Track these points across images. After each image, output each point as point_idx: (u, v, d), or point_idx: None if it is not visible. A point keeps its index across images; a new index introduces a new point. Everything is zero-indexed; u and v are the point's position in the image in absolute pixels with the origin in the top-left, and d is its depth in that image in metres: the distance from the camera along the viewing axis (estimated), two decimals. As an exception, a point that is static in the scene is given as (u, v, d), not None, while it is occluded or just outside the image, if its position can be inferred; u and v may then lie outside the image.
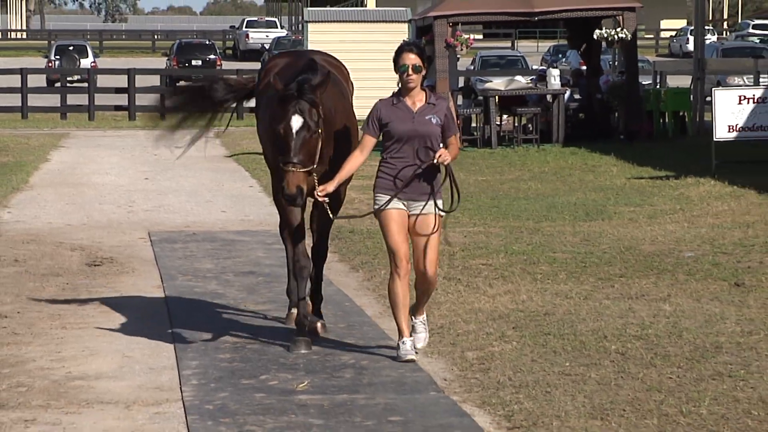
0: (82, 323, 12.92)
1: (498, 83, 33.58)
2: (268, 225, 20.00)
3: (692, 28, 44.07)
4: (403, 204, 10.81)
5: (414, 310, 11.16)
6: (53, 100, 46.55)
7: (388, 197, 10.75)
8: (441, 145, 10.87)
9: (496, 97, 31.99)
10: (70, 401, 10.04)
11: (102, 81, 47.28)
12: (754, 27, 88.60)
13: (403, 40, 11.39)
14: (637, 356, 10.90)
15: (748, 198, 20.90)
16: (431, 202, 10.82)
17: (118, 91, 45.66)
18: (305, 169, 10.76)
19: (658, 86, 37.69)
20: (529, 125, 31.88)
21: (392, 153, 10.84)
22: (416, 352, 11.00)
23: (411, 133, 10.76)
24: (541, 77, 34.65)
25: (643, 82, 36.00)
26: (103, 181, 26.58)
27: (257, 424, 9.36)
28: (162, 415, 9.69)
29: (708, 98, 28.57)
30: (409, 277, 10.90)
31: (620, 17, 32.76)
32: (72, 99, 46.11)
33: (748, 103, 25.11)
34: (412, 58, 10.74)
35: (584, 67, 35.32)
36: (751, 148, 25.61)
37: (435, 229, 10.83)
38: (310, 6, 65.52)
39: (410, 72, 10.73)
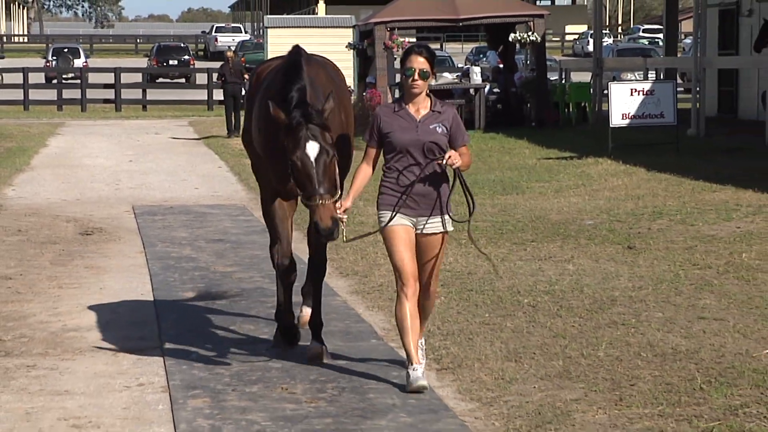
0: (75, 283, 12.89)
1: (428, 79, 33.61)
2: (235, 200, 20.08)
3: (592, 32, 44.14)
4: (410, 221, 8.55)
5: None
6: (51, 94, 46.35)
7: (392, 213, 8.52)
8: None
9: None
10: (66, 349, 10.02)
11: (92, 78, 47.00)
12: (644, 31, 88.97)
13: (414, 42, 9.58)
14: (546, 308, 10.94)
15: (638, 175, 21.01)
16: (439, 220, 8.59)
17: (107, 86, 45.71)
18: (334, 199, 8.39)
19: (563, 81, 37.78)
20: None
21: (395, 165, 8.56)
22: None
23: (414, 143, 8.47)
24: (465, 74, 34.86)
25: (551, 78, 36.09)
26: (93, 163, 26.49)
27: (225, 367, 9.35)
28: (144, 360, 9.67)
29: (605, 91, 28.66)
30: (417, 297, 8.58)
31: (531, 23, 32.87)
32: (67, 93, 45.99)
33: (638, 95, 25.27)
34: (420, 62, 8.46)
35: (501, 65, 35.35)
36: (641, 132, 25.73)
37: (440, 250, 8.69)
38: (270, 14, 65.29)
39: (416, 77, 8.45)
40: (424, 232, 8.58)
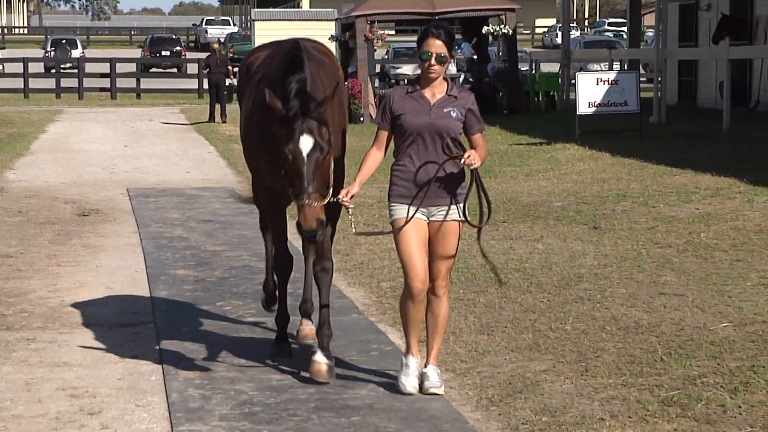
0: (73, 261, 12.86)
1: (407, 69, 33.82)
2: (224, 183, 20.05)
3: (560, 25, 44.15)
4: (422, 212, 7.63)
5: (427, 354, 7.89)
6: (49, 83, 46.20)
7: (404, 207, 7.62)
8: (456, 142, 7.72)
9: (405, 79, 32.12)
10: (64, 324, 10.00)
11: (89, 68, 46.90)
12: (609, 24, 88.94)
13: (432, 23, 7.97)
14: (516, 285, 10.95)
15: (603, 159, 21.04)
16: (454, 208, 7.70)
17: (102, 76, 45.67)
18: (324, 200, 7.44)
19: (533, 71, 37.79)
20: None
21: (406, 152, 7.67)
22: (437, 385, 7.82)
23: (426, 127, 7.57)
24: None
25: (522, 68, 36.12)
26: (90, 148, 26.42)
27: (214, 340, 9.35)
28: (138, 334, 9.66)
29: (573, 81, 28.68)
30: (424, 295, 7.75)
31: (503, 16, 32.97)
32: (65, 82, 45.86)
33: (603, 84, 25.31)
34: (437, 45, 7.54)
35: (475, 57, 35.38)
36: (606, 120, 25.77)
37: (456, 244, 7.81)
38: (257, 8, 65.13)
39: (433, 62, 7.55)
40: (437, 218, 7.67)
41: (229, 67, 34.49)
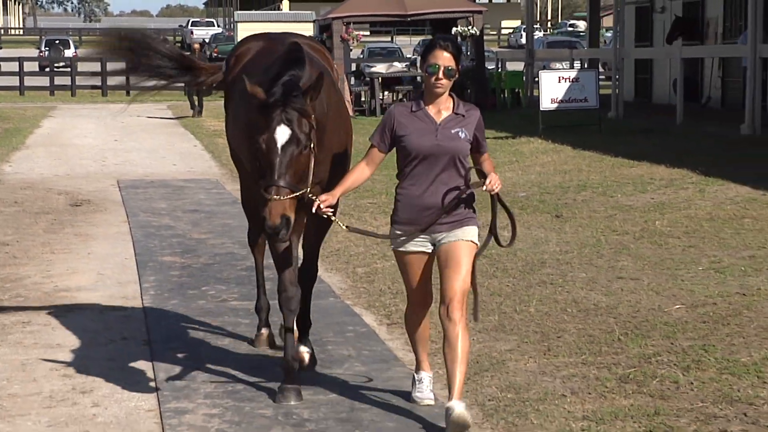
0: (66, 249, 12.82)
1: (381, 68, 33.71)
2: (209, 175, 20.03)
3: (525, 26, 44.17)
4: (428, 239, 6.69)
5: (449, 390, 6.53)
6: (44, 81, 45.95)
7: (406, 236, 6.70)
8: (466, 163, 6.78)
9: (379, 78, 32.11)
10: (57, 308, 9.97)
11: (81, 66, 46.70)
12: (570, 26, 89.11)
13: (438, 34, 7.14)
14: (483, 269, 10.93)
15: (565, 152, 21.08)
16: (461, 230, 6.70)
17: (94, 74, 45.32)
18: (293, 195, 6.46)
19: (499, 70, 37.82)
20: (404, 99, 31.86)
21: (411, 175, 6.65)
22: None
23: (433, 149, 6.56)
24: (413, 63, 34.86)
25: (488, 67, 36.14)
26: (82, 143, 26.32)
27: (199, 323, 9.34)
28: (128, 317, 9.64)
29: (536, 78, 28.70)
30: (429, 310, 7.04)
31: (471, 18, 32.95)
32: (58, 80, 45.71)
33: (565, 82, 25.32)
34: (445, 58, 6.55)
35: (422, 55, 35.38)
36: (567, 115, 25.79)
37: (469, 265, 6.71)
38: (240, 10, 64.95)
39: (441, 76, 6.55)
40: (446, 240, 6.67)
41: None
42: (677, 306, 9.45)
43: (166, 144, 26.11)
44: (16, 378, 7.87)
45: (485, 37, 35.90)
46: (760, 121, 23.04)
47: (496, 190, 6.67)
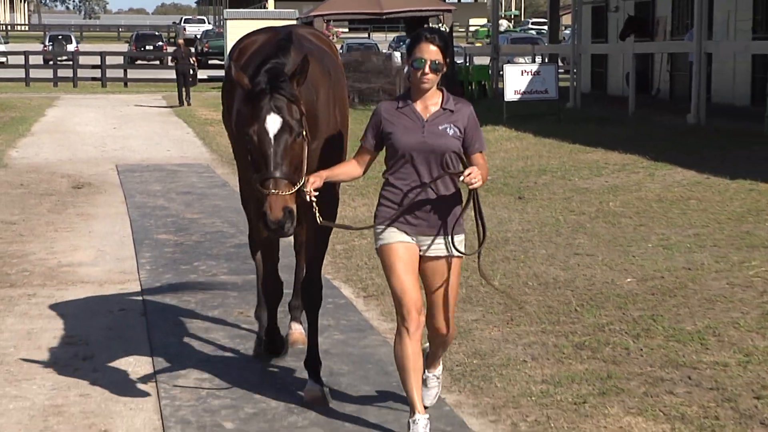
0: (68, 227, 12.77)
1: (358, 62, 33.61)
2: (200, 160, 19.97)
3: (491, 24, 44.12)
4: (412, 239, 5.75)
5: (428, 362, 6.22)
6: (48, 73, 45.72)
7: (392, 234, 5.73)
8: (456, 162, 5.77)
9: (357, 71, 32.07)
10: (60, 281, 9.93)
11: (82, 60, 46.49)
12: (533, 23, 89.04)
13: (424, 27, 6.05)
14: (452, 247, 10.95)
15: (527, 140, 21.10)
16: (442, 241, 5.82)
17: (94, 67, 45.36)
18: (293, 186, 5.58)
19: (467, 64, 37.76)
20: (381, 90, 31.85)
21: (396, 173, 5.74)
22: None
23: (419, 146, 5.66)
24: (389, 58, 34.71)
25: (457, 61, 36.10)
26: (83, 130, 26.20)
27: (191, 295, 9.32)
28: (125, 290, 9.61)
29: (501, 72, 28.69)
30: (422, 331, 5.75)
31: (441, 16, 32.93)
32: (61, 72, 45.42)
33: (527, 75, 25.34)
34: (432, 51, 5.66)
35: (408, 48, 35.33)
36: (529, 105, 25.80)
37: (450, 279, 5.91)
38: (229, 8, 64.72)
39: (427, 70, 5.66)
40: (428, 254, 5.81)
41: (192, 59, 35.45)
42: (628, 279, 9.48)
43: (160, 131, 26.01)
44: (22, 346, 7.84)
45: (454, 34, 35.85)
46: (704, 111, 23.13)
47: (475, 185, 5.55)
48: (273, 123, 5.58)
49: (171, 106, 33.76)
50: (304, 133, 5.71)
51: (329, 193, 6.07)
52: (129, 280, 9.99)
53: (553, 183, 15.43)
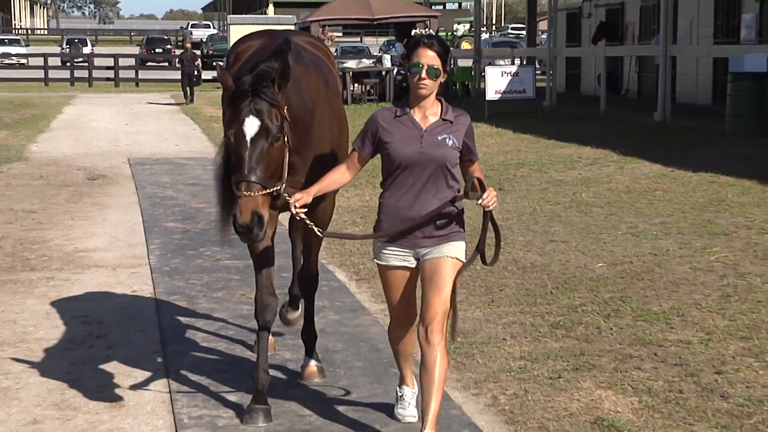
0: (84, 216, 12.73)
1: (351, 63, 33.54)
2: (205, 154, 19.87)
3: (474, 29, 44.08)
4: (411, 254, 5.22)
5: (422, 417, 5.11)
6: (65, 73, 45.55)
7: (392, 252, 5.23)
8: (453, 173, 5.26)
9: (350, 72, 31.95)
10: (77, 266, 9.90)
11: (97, 62, 46.29)
12: (512, 29, 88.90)
13: (422, 32, 6.07)
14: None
15: (507, 135, 21.09)
16: (446, 245, 5.20)
17: (108, 68, 45.13)
18: (266, 191, 5.07)
19: (451, 65, 37.68)
20: (371, 90, 31.79)
21: (394, 185, 5.18)
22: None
23: (418, 157, 5.11)
24: (379, 60, 34.67)
25: (442, 63, 36.06)
26: (98, 126, 26.11)
27: (197, 278, 9.30)
28: (136, 274, 9.58)
29: (483, 73, 28.67)
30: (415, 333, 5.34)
31: (428, 22, 32.90)
32: (77, 73, 45.24)
33: (507, 76, 25.31)
34: (430, 57, 5.13)
35: (406, 53, 35.29)
36: (509, 104, 25.78)
37: (451, 283, 5.15)
38: (232, 14, 64.57)
39: (424, 75, 5.12)
40: (430, 257, 5.20)
41: (197, 62, 35.47)
42: (600, 264, 9.49)
43: (169, 128, 25.93)
44: (41, 325, 7.82)
45: (440, 38, 35.81)
46: (670, 109, 23.16)
47: (491, 208, 5.17)
48: (251, 126, 5.10)
49: (179, 104, 33.69)
50: (285, 138, 5.21)
51: (322, 203, 5.64)
52: (140, 265, 9.97)
53: (531, 175, 15.42)
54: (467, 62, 38.92)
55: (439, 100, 5.26)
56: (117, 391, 6.30)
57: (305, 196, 5.21)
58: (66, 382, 6.45)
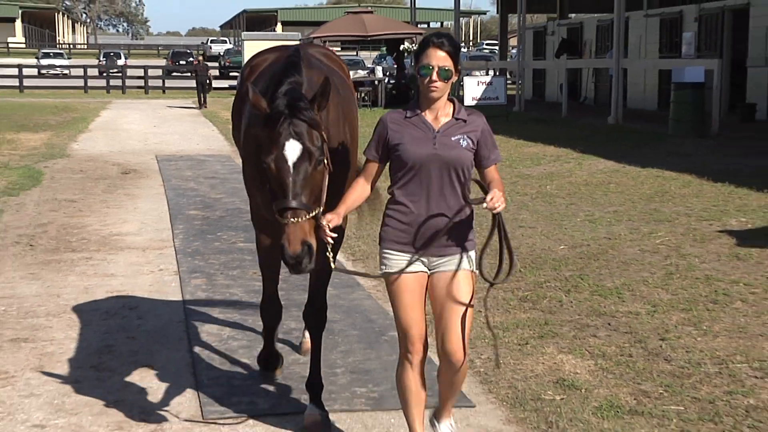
0: (119, 205, 12.68)
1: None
2: (223, 152, 19.86)
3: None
4: (422, 262, 4.17)
5: (437, 412, 4.52)
6: (102, 82, 45.40)
7: (401, 260, 4.16)
8: (469, 176, 4.25)
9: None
10: (112, 248, 9.86)
11: (129, 72, 46.25)
12: (486, 44, 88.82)
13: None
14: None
15: (482, 136, 21.05)
16: (458, 257, 4.22)
17: (139, 77, 45.00)
18: (311, 216, 4.05)
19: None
20: (366, 97, 31.73)
21: (404, 188, 4.16)
22: None
23: (430, 159, 4.11)
24: (372, 71, 34.65)
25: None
26: (130, 127, 26.00)
27: (215, 258, 9.27)
28: (163, 254, 9.55)
29: (461, 82, 28.65)
30: (425, 361, 4.29)
31: (414, 38, 32.81)
32: (113, 82, 45.15)
33: (482, 85, 25.36)
34: (440, 57, 4.11)
35: (396, 66, 35.20)
36: (483, 109, 25.73)
37: (469, 298, 4.23)
38: (246, 31, 64.39)
39: (435, 77, 4.11)
40: (442, 270, 4.22)
41: (209, 72, 35.35)
42: (562, 247, 9.48)
43: (191, 129, 25.85)
44: (81, 298, 7.78)
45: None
46: (621, 114, 23.19)
47: (498, 209, 4.11)
48: (293, 150, 4.08)
49: (200, 108, 33.62)
50: (326, 161, 4.19)
51: (338, 227, 4.24)
52: (166, 247, 9.93)
53: (502, 170, 15.39)
54: (448, 73, 38.91)
55: (452, 101, 4.25)
56: (146, 355, 6.28)
57: (335, 218, 4.11)
58: (102, 348, 6.43)
